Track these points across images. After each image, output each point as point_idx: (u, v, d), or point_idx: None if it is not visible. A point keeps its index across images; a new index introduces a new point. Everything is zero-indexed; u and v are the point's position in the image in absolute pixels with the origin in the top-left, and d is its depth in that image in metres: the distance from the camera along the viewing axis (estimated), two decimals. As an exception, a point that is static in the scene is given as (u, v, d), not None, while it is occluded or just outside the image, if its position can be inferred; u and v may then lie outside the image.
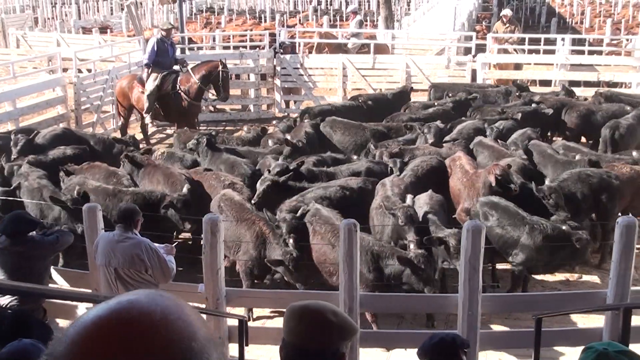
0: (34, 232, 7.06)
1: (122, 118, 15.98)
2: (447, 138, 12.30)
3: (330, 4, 39.09)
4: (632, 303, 6.28)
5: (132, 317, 1.21)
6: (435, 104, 15.10)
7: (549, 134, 14.58)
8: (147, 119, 15.67)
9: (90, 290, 7.45)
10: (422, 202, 9.10)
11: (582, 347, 2.86)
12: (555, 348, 7.58)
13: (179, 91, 15.05)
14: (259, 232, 8.57)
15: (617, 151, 12.39)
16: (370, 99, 15.85)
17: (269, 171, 10.22)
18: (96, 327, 1.21)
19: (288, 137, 12.60)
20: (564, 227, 8.39)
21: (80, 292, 7.53)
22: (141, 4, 27.07)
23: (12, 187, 9.97)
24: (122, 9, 28.77)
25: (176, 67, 15.55)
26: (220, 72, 14.86)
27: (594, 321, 7.97)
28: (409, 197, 9.00)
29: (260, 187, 9.75)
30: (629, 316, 5.27)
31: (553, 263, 8.61)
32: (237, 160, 11.33)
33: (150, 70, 15.10)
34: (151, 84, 14.99)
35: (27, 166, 10.62)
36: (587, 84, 17.61)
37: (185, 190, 9.55)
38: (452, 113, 14.29)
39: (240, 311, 8.18)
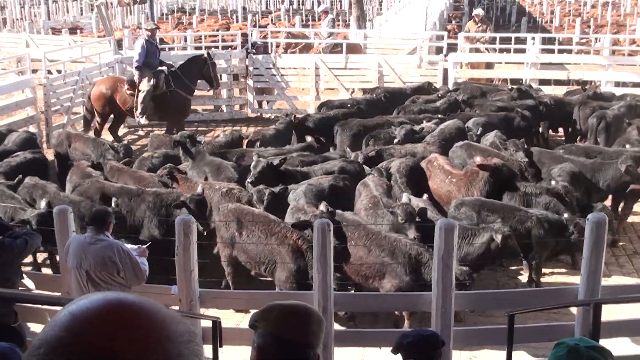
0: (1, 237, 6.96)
1: (96, 123, 15.70)
2: (427, 138, 12.36)
3: (302, 4, 39.09)
4: (601, 298, 6.35)
5: (125, 303, 1.24)
6: (439, 95, 15.57)
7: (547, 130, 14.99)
8: (143, 120, 15.51)
9: (60, 294, 7.37)
10: (416, 202, 9.28)
11: (554, 343, 2.88)
12: (529, 344, 7.66)
13: (175, 89, 15.20)
14: (293, 245, 8.26)
15: (605, 141, 12.86)
16: (389, 92, 16.18)
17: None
18: (92, 311, 1.22)
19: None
20: (564, 216, 8.92)
21: (51, 296, 7.44)
22: (111, 4, 26.78)
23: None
24: (92, 10, 28.49)
25: (162, 67, 15.49)
26: (209, 65, 15.53)
27: (566, 317, 8.05)
28: (404, 195, 9.28)
29: (254, 169, 10.17)
30: (599, 311, 5.33)
31: (557, 249, 9.02)
32: (223, 164, 11.24)
33: (140, 71, 15.08)
34: (146, 84, 14.95)
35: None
36: (557, 82, 17.79)
37: (199, 189, 9.42)
38: (457, 106, 14.76)
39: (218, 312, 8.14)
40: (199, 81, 16.09)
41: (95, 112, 15.58)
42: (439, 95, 15.50)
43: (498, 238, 7.93)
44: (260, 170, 10.18)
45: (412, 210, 8.63)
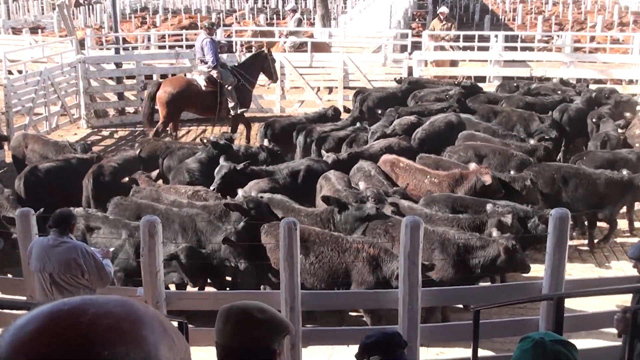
0: None
1: (162, 124, 15.35)
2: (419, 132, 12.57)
3: (267, 3, 39.01)
4: (564, 293, 6.43)
5: (63, 319, 1.19)
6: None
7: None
8: (238, 111, 15.66)
9: (25, 298, 7.25)
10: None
11: (519, 337, 2.90)
12: (495, 339, 7.73)
13: (242, 82, 15.71)
14: (367, 257, 7.88)
15: (566, 135, 13.29)
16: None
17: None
18: (32, 327, 1.19)
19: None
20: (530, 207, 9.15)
21: (14, 300, 7.32)
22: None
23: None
24: (54, 9, 28.12)
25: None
26: (269, 61, 16.23)
27: (532, 312, 8.13)
28: (361, 184, 9.64)
29: (217, 175, 10.13)
30: (562, 305, 5.39)
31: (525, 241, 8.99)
32: (181, 167, 11.16)
33: (217, 69, 15.36)
34: (231, 78, 15.44)
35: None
36: (521, 79, 17.97)
37: (241, 225, 8.28)
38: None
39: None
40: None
41: (161, 113, 15.29)
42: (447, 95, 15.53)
43: (502, 250, 7.86)
44: (223, 176, 10.14)
45: (380, 192, 9.01)
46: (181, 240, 8.33)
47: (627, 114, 13.86)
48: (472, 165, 10.36)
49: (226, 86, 15.35)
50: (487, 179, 9.87)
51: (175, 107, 15.22)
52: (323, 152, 12.06)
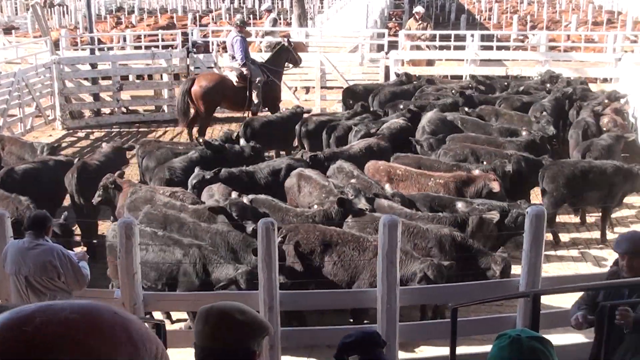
0: None
1: (204, 119, 15.70)
2: (420, 132, 12.70)
3: (243, 2, 38.92)
4: (540, 290, 6.48)
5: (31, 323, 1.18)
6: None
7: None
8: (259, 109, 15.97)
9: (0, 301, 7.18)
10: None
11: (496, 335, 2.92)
12: (472, 337, 7.77)
13: (271, 78, 15.96)
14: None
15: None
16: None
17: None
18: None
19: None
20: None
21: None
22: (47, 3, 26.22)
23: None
24: (28, 9, 27.84)
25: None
26: (292, 50, 16.45)
27: (509, 309, 8.19)
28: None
29: (190, 182, 10.21)
30: (538, 302, 5.43)
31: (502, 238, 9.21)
32: (164, 166, 11.10)
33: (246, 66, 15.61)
34: (260, 75, 15.63)
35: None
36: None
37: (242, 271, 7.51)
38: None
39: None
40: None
41: (200, 109, 15.45)
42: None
43: (497, 270, 7.87)
44: (193, 185, 10.17)
45: (359, 187, 9.20)
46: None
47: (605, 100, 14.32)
48: (477, 171, 10.47)
49: (255, 82, 15.62)
50: (496, 187, 10.02)
51: (211, 101, 15.48)
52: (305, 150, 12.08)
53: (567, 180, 10.73)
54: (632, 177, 10.92)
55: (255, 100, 15.67)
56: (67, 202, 11.17)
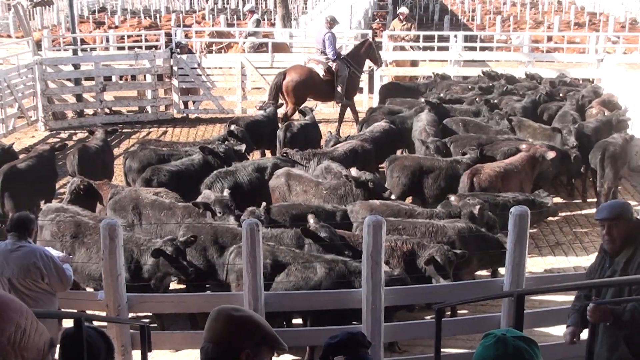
0: None
1: (290, 109, 16.21)
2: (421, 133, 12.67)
3: (227, 3, 38.84)
4: (524, 289, 6.50)
5: None
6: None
7: None
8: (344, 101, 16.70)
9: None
10: None
11: (482, 335, 2.92)
12: (457, 337, 7.80)
13: (353, 70, 16.74)
14: (402, 255, 7.98)
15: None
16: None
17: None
18: None
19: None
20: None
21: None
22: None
23: None
24: (9, 9, 27.65)
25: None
26: (374, 48, 17.14)
27: (494, 309, 8.23)
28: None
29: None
30: (521, 302, 5.44)
31: None
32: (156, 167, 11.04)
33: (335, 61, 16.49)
34: (345, 69, 16.53)
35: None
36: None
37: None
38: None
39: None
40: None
41: (289, 100, 16.20)
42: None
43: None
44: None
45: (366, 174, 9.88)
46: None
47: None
48: (524, 146, 11.20)
49: (342, 76, 16.47)
50: (552, 154, 10.95)
51: (300, 94, 16.28)
52: (290, 150, 12.01)
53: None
54: None
55: (339, 94, 16.50)
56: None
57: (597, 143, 12.13)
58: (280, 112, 15.95)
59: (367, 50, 17.00)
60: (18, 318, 1.37)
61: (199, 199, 9.40)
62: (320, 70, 16.45)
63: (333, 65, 16.45)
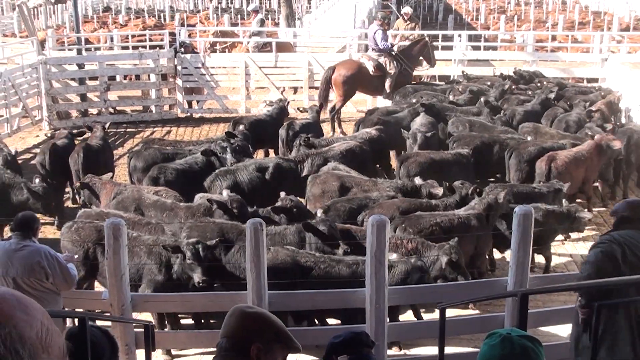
0: None
1: (339, 102, 16.57)
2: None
3: (231, 3, 38.88)
4: (528, 289, 6.49)
5: None
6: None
7: None
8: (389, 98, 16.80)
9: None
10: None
11: (486, 334, 2.92)
12: (461, 337, 7.79)
13: (405, 67, 16.88)
14: (406, 252, 8.03)
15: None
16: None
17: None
18: None
19: None
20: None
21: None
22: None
23: None
24: (14, 9, 27.70)
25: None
26: (429, 47, 17.27)
27: (498, 309, 8.21)
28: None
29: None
30: (525, 302, 5.44)
31: None
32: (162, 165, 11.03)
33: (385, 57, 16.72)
34: (396, 65, 16.69)
35: None
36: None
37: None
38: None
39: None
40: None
41: (338, 94, 16.51)
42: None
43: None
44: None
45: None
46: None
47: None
48: (596, 136, 11.55)
49: (392, 73, 16.62)
50: (618, 144, 11.34)
51: (349, 88, 16.52)
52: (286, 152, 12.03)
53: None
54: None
55: (388, 90, 16.64)
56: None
57: (621, 129, 12.49)
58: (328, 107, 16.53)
59: (422, 49, 17.09)
60: (41, 317, 1.42)
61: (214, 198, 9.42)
62: (370, 67, 16.53)
63: (381, 60, 16.61)
